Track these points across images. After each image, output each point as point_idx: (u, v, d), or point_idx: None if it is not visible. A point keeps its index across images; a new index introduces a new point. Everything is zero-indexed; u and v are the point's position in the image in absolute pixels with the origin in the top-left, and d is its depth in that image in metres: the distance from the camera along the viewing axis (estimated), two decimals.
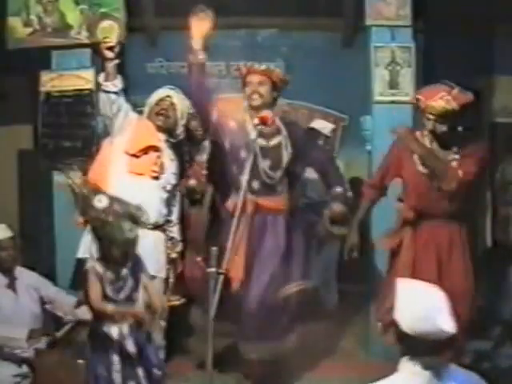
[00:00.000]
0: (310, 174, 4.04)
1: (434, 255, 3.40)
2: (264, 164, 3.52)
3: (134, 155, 3.69)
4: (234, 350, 3.59)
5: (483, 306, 3.63)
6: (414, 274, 3.23)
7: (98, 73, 3.84)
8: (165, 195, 3.77)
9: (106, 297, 2.89)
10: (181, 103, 3.84)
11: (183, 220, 4.06)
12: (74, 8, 4.27)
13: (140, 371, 2.94)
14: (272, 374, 3.68)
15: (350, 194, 4.80)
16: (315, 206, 4.25)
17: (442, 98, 3.24)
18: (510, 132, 5.47)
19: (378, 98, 4.23)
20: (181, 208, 4.00)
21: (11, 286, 3.62)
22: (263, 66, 3.58)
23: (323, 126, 4.95)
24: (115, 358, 2.87)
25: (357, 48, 5.11)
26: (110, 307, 2.85)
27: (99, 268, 2.87)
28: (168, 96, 3.85)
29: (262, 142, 3.52)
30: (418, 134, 3.47)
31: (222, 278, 2.81)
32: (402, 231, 3.48)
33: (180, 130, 3.89)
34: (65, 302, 3.71)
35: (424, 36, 4.92)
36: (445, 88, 3.28)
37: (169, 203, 3.83)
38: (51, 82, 4.31)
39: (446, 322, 1.98)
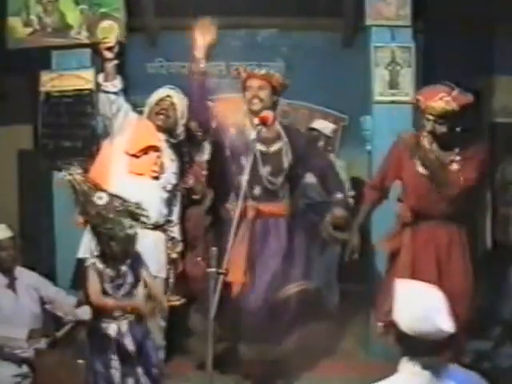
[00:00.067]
0: (310, 177, 4.04)
1: (433, 256, 3.40)
2: (265, 170, 3.53)
3: (134, 155, 3.69)
4: (234, 351, 3.59)
5: (483, 305, 3.63)
6: (414, 275, 3.23)
7: (98, 73, 3.84)
8: (165, 195, 3.77)
9: (105, 294, 2.90)
10: (181, 103, 3.84)
11: (184, 220, 4.07)
12: (74, 8, 4.27)
13: (139, 369, 2.95)
14: (272, 374, 3.68)
15: (351, 195, 4.84)
16: (316, 206, 4.26)
17: (442, 99, 3.24)
18: (510, 132, 5.47)
19: (377, 98, 4.23)
20: (181, 208, 4.00)
21: (11, 285, 3.62)
22: (263, 71, 3.58)
23: (324, 126, 4.95)
24: (114, 356, 2.88)
25: (357, 48, 5.11)
26: (110, 301, 2.86)
27: (99, 265, 2.88)
28: (168, 96, 3.85)
29: (262, 147, 3.52)
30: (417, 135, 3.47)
31: (221, 277, 2.80)
32: (402, 232, 3.48)
33: (180, 130, 3.89)
34: (65, 302, 3.71)
35: (424, 36, 4.92)
36: (445, 89, 3.28)
37: (169, 203, 3.83)
38: (51, 81, 4.31)
39: (444, 322, 1.98)
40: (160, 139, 3.80)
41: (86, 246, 3.38)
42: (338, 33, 5.68)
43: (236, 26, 5.42)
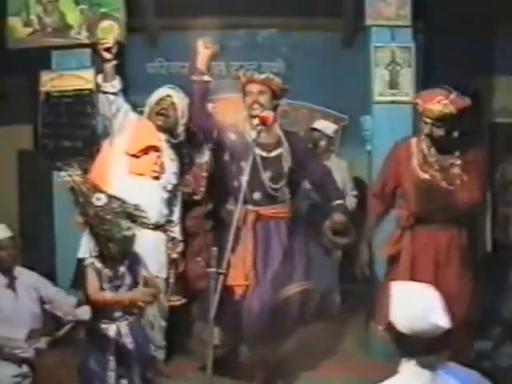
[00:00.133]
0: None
1: (432, 259, 3.40)
2: (265, 175, 3.52)
3: (134, 155, 3.70)
4: (235, 353, 3.59)
5: (483, 305, 3.62)
6: (413, 279, 3.24)
7: (98, 73, 3.84)
8: (165, 195, 3.77)
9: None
10: (181, 102, 3.84)
11: (184, 220, 4.07)
12: (74, 8, 4.26)
13: (135, 370, 2.95)
14: (272, 374, 3.69)
15: (354, 194, 4.84)
16: (319, 207, 4.25)
17: (440, 102, 3.26)
18: (510, 132, 5.46)
19: (377, 98, 4.23)
20: (182, 208, 4.00)
21: (11, 285, 3.62)
22: (262, 76, 3.58)
23: (326, 126, 4.95)
24: (111, 357, 2.88)
25: (357, 48, 5.10)
26: (108, 295, 2.87)
27: (98, 264, 2.88)
28: (168, 95, 3.85)
29: (262, 153, 3.52)
30: (414, 140, 3.47)
31: (221, 277, 2.80)
32: (401, 237, 3.49)
33: (180, 130, 3.89)
34: (64, 302, 3.71)
35: (424, 36, 4.92)
36: (443, 92, 3.30)
37: (170, 203, 3.83)
38: (51, 81, 4.31)
39: (440, 318, 2.00)
40: (160, 139, 3.80)
41: (86, 246, 3.37)
42: (338, 33, 5.68)
43: (236, 26, 5.42)
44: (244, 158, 3.43)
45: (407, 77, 4.21)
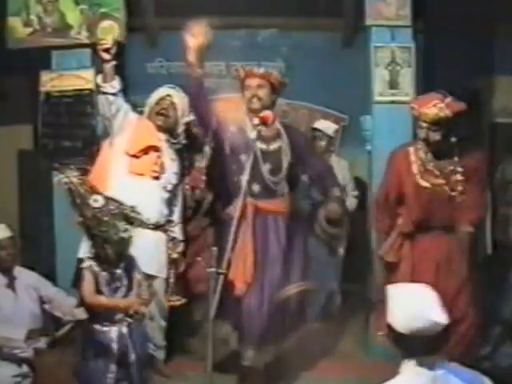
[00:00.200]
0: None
1: (432, 266, 3.42)
2: (265, 168, 3.52)
3: (134, 155, 3.69)
4: (235, 353, 3.60)
5: (483, 306, 3.62)
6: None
7: (98, 73, 3.84)
8: (166, 195, 3.77)
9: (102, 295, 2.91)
10: (181, 102, 3.84)
11: (185, 220, 4.07)
12: (74, 8, 4.26)
13: (134, 372, 2.96)
14: (272, 374, 3.68)
15: (354, 194, 4.83)
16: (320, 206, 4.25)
17: (436, 106, 3.28)
18: (510, 132, 5.46)
19: (377, 98, 4.23)
20: (183, 208, 4.00)
21: (10, 285, 3.61)
22: (261, 70, 3.57)
23: (326, 126, 4.95)
24: (110, 359, 2.89)
25: (357, 48, 5.10)
26: (103, 299, 2.87)
27: (95, 267, 2.89)
28: (168, 95, 3.85)
29: (262, 145, 3.52)
30: (412, 149, 3.47)
31: (221, 277, 2.80)
32: (402, 245, 3.50)
33: (181, 130, 3.89)
34: (64, 302, 3.70)
35: (424, 36, 4.91)
36: (438, 96, 3.33)
37: (170, 203, 3.83)
38: (51, 81, 4.31)
39: (438, 315, 2.02)
40: (160, 139, 3.80)
41: (86, 246, 3.38)
42: (338, 33, 5.68)
43: (236, 26, 5.42)
44: (243, 152, 3.44)
45: (407, 77, 4.21)
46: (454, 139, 3.41)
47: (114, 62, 3.63)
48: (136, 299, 2.95)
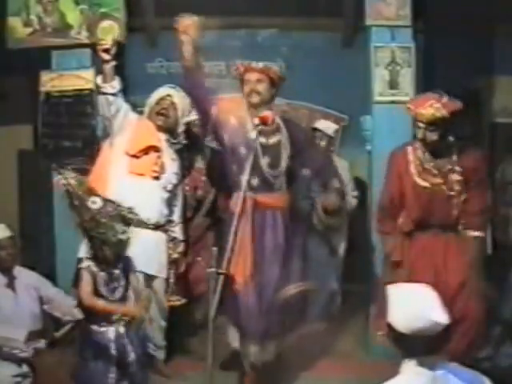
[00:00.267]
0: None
1: (430, 265, 3.42)
2: (264, 161, 3.52)
3: (134, 156, 3.69)
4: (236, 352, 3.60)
5: (483, 306, 3.62)
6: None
7: (98, 73, 3.84)
8: (166, 195, 3.77)
9: (101, 297, 2.91)
10: (181, 102, 3.84)
11: (185, 220, 4.07)
12: (74, 8, 4.26)
13: (134, 372, 2.96)
14: (271, 373, 3.68)
15: (354, 195, 4.83)
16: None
17: (432, 106, 3.28)
18: (510, 132, 5.46)
19: (377, 98, 4.23)
20: (183, 208, 4.00)
21: (10, 285, 3.61)
22: (261, 64, 3.58)
23: (327, 126, 4.95)
24: (110, 360, 2.89)
25: (357, 48, 5.10)
26: (100, 303, 2.87)
27: (94, 268, 2.89)
28: (168, 95, 3.85)
29: (261, 139, 3.51)
30: (410, 148, 3.48)
31: (222, 278, 2.80)
32: (402, 243, 3.50)
33: (181, 130, 3.89)
34: (64, 302, 3.71)
35: (424, 36, 4.91)
36: (434, 96, 3.34)
37: (170, 203, 3.83)
38: (51, 81, 4.31)
39: (439, 315, 2.02)
40: (160, 139, 3.80)
41: (86, 247, 3.38)
42: (338, 33, 5.68)
43: (236, 26, 5.42)
44: (243, 145, 3.45)
45: (407, 77, 4.21)
46: (451, 138, 3.42)
47: (113, 63, 3.63)
48: (134, 306, 2.95)
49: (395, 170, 3.53)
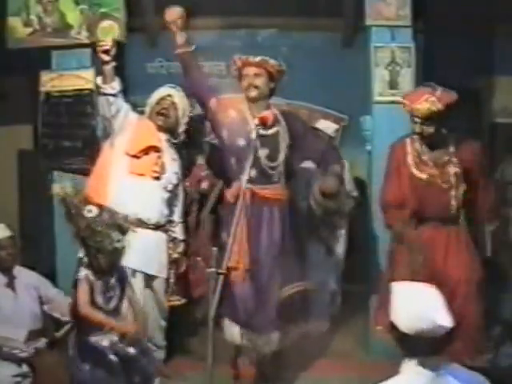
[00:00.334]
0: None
1: (430, 258, 3.41)
2: (262, 153, 3.51)
3: (134, 156, 3.70)
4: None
5: (483, 306, 3.62)
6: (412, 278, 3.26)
7: (98, 73, 3.84)
8: (166, 195, 3.77)
9: (96, 306, 2.92)
10: (182, 102, 3.85)
11: (186, 220, 4.07)
12: (74, 8, 4.26)
13: (134, 373, 2.97)
14: (271, 373, 3.69)
15: (355, 195, 4.82)
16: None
17: (427, 100, 3.28)
18: (509, 132, 5.46)
19: (377, 98, 4.23)
20: (183, 208, 4.00)
21: (10, 285, 3.62)
22: (258, 58, 3.57)
23: (327, 126, 4.94)
24: (106, 368, 2.90)
25: (357, 48, 5.10)
26: (97, 315, 2.88)
27: (91, 277, 2.91)
28: (169, 95, 3.85)
29: (260, 130, 3.50)
30: (408, 140, 3.48)
31: (221, 278, 2.80)
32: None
33: (182, 130, 3.90)
34: (64, 302, 3.70)
35: (424, 36, 4.91)
36: (428, 90, 3.34)
37: (170, 203, 3.83)
38: (51, 81, 4.30)
39: (442, 318, 2.00)
40: (161, 139, 3.80)
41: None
42: (338, 33, 5.66)
43: (236, 26, 5.41)
44: (242, 137, 3.44)
45: (407, 77, 4.21)
46: (444, 131, 3.42)
47: (113, 64, 3.63)
48: (132, 325, 2.97)
49: (394, 162, 3.53)
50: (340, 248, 4.56)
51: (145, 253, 3.57)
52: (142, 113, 3.93)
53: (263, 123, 3.26)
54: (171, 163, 3.82)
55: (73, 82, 4.28)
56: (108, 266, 2.93)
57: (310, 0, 5.27)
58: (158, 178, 3.72)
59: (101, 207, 2.95)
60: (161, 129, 3.81)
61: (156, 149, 3.73)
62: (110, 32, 4.11)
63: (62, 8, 4.27)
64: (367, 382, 2.15)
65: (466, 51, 5.12)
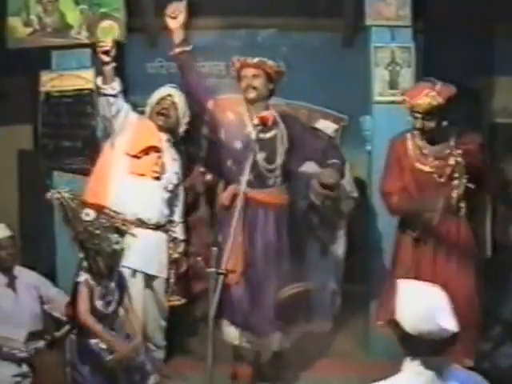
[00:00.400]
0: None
1: (430, 251, 3.42)
2: (260, 156, 3.50)
3: (134, 156, 3.70)
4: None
5: (483, 305, 3.63)
6: (413, 272, 3.26)
7: (98, 73, 3.84)
8: (166, 195, 3.77)
9: (95, 311, 2.93)
10: (182, 102, 3.85)
11: (187, 220, 4.07)
12: (74, 8, 4.26)
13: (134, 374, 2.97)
14: (271, 373, 3.69)
15: (355, 196, 4.82)
16: (317, 207, 4.24)
17: (427, 95, 3.29)
18: (510, 132, 5.46)
19: (377, 98, 4.24)
20: (184, 208, 4.00)
21: (11, 284, 3.62)
22: (256, 59, 3.57)
23: (326, 126, 4.93)
24: (102, 371, 2.90)
25: (357, 48, 5.10)
26: (95, 326, 2.89)
27: (91, 281, 2.91)
28: (169, 95, 3.86)
29: (259, 133, 3.50)
30: (409, 134, 3.49)
31: (221, 278, 2.80)
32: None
33: (182, 129, 3.90)
34: (64, 302, 3.70)
35: (424, 36, 4.91)
36: (427, 85, 3.34)
37: (171, 203, 3.83)
38: (51, 81, 4.30)
39: (447, 321, 1.98)
40: (161, 139, 3.80)
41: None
42: (338, 33, 5.66)
43: (236, 26, 5.41)
44: (239, 140, 3.44)
45: (407, 77, 4.22)
46: (445, 123, 3.41)
47: (113, 64, 3.63)
48: (125, 346, 2.98)
49: (395, 156, 3.53)
50: (340, 248, 4.57)
51: (145, 253, 3.57)
52: (142, 113, 3.93)
53: (263, 123, 3.25)
54: (172, 163, 3.82)
55: (73, 82, 4.28)
56: (107, 269, 2.94)
57: (309, 0, 5.26)
58: (158, 178, 3.73)
59: (98, 210, 2.96)
60: (161, 129, 3.81)
61: (156, 149, 3.73)
62: (110, 32, 4.11)
63: (62, 8, 4.26)
64: (367, 382, 2.14)
65: (466, 51, 5.12)
